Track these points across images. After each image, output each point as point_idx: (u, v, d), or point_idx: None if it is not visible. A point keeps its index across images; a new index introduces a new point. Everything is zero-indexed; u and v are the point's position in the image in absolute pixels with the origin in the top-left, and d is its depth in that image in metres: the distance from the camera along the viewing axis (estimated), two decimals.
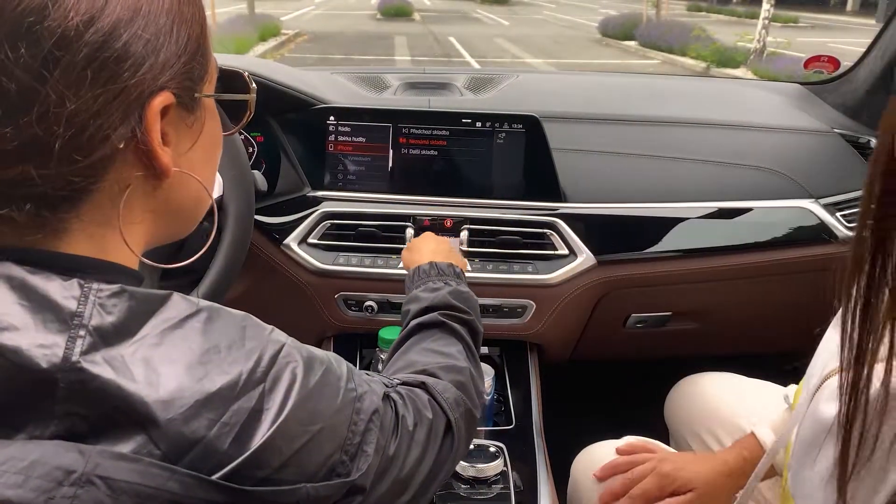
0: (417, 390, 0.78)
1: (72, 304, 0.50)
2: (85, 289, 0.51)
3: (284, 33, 14.53)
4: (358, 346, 1.47)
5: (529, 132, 1.39)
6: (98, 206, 0.55)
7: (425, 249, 1.15)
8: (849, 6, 28.91)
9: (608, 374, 1.91)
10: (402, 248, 1.37)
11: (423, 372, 0.83)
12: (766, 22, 11.16)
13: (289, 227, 1.38)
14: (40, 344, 0.48)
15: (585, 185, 1.42)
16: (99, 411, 0.49)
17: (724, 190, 1.46)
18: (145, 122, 0.54)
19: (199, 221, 0.68)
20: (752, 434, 1.06)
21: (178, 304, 0.55)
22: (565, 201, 1.39)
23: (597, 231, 1.38)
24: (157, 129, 0.55)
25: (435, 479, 0.74)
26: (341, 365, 0.66)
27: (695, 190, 1.45)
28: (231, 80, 0.69)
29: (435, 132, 1.40)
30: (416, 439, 0.71)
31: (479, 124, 1.40)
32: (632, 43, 15.10)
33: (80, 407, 0.49)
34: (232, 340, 0.56)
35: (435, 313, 0.96)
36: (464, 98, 1.61)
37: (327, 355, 0.65)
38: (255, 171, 1.32)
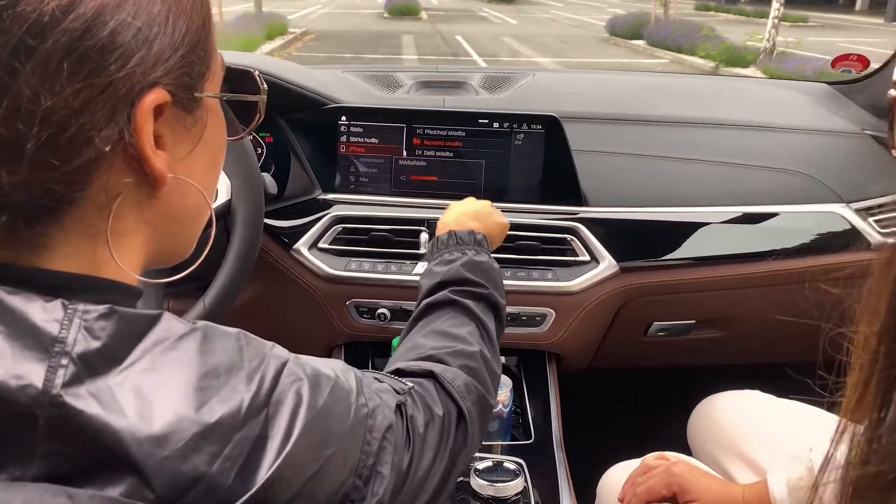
0: (425, 381, 0.73)
1: (53, 329, 0.45)
2: (69, 310, 0.46)
3: (291, 32, 14.51)
4: (370, 354, 1.41)
5: (549, 133, 1.33)
6: (84, 216, 0.49)
7: (452, 214, 1.07)
8: (858, 5, 28.79)
9: (628, 381, 1.85)
10: (415, 254, 1.32)
11: (431, 358, 0.78)
12: (776, 21, 11.08)
13: (299, 232, 1.33)
14: (17, 374, 0.43)
15: (607, 188, 1.36)
16: (84, 450, 0.44)
17: (750, 194, 1.40)
18: (135, 123, 0.48)
19: (201, 234, 0.62)
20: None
21: (171, 323, 0.50)
22: (586, 205, 1.34)
23: (619, 236, 1.33)
24: (149, 131, 0.49)
25: (450, 477, 0.70)
26: (350, 377, 0.61)
27: (720, 193, 1.39)
28: (239, 79, 0.63)
29: (450, 133, 1.35)
30: (429, 442, 0.67)
31: (496, 125, 1.34)
32: (640, 42, 15.03)
33: (63, 445, 0.44)
34: (231, 362, 0.51)
35: (446, 291, 0.89)
36: (479, 97, 1.55)
37: (334, 368, 0.59)
38: (265, 174, 1.27)
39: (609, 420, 1.60)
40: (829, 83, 1.76)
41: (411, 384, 0.71)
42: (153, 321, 0.49)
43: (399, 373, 0.75)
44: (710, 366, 1.71)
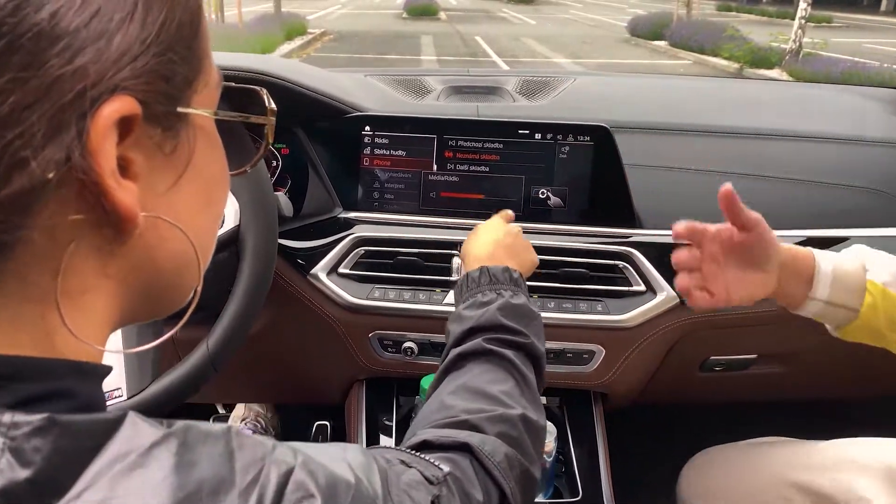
0: (460, 458, 0.60)
1: None
2: None
3: (310, 32, 14.44)
4: (394, 392, 1.27)
5: (598, 145, 1.18)
6: (22, 270, 0.36)
7: (483, 244, 0.92)
8: (883, 6, 28.40)
9: (675, 416, 1.69)
10: (447, 281, 1.18)
11: (464, 424, 0.64)
12: (803, 22, 10.82)
13: (317, 254, 1.18)
14: None
15: (664, 208, 1.20)
16: None
17: (821, 215, 1.24)
18: (90, 140, 0.34)
19: (192, 289, 0.48)
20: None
21: (136, 429, 0.36)
22: (641, 227, 1.19)
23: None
24: (111, 153, 0.35)
25: None
26: (373, 477, 0.46)
27: (789, 215, 1.23)
28: (241, 98, 0.49)
29: (486, 145, 1.20)
30: None
31: (538, 136, 1.19)
32: (662, 43, 14.80)
33: None
34: (219, 477, 0.37)
35: (479, 339, 0.76)
36: (517, 104, 1.40)
37: (352, 465, 0.45)
38: (279, 193, 1.13)
39: (657, 463, 1.44)
40: None
41: (446, 468, 0.56)
42: (110, 429, 0.35)
43: (428, 446, 0.61)
44: (766, 402, 1.56)
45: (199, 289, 0.46)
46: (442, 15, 21.56)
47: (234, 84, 0.49)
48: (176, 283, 0.46)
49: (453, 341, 0.78)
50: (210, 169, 0.46)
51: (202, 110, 0.43)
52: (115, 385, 0.87)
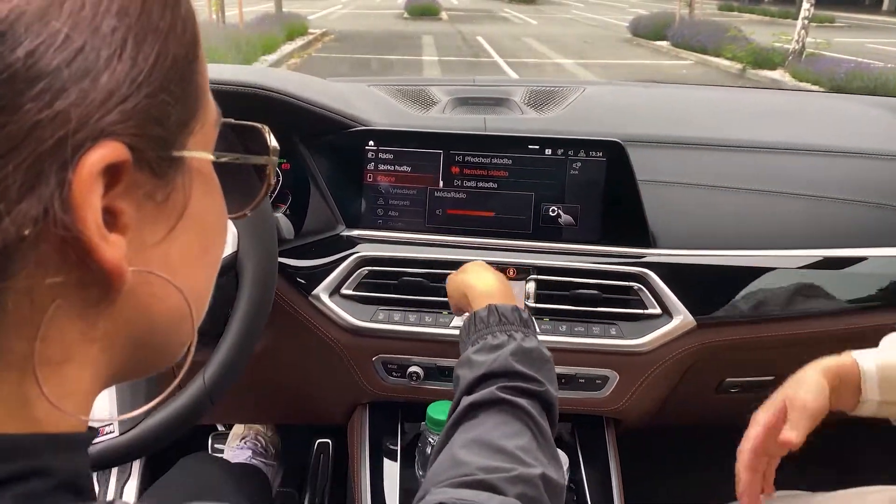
0: None
1: None
2: None
3: (311, 32, 14.41)
4: (399, 417, 1.22)
5: (612, 161, 1.13)
6: None
7: (487, 280, 0.88)
8: (885, 6, 28.33)
9: (691, 442, 1.64)
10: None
11: (481, 484, 0.60)
12: (806, 22, 10.77)
13: (318, 274, 1.14)
14: None
15: (680, 226, 1.16)
16: None
17: (837, 233, 1.20)
18: (72, 193, 0.30)
19: (186, 345, 0.43)
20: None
21: None
22: (655, 247, 1.14)
23: (695, 285, 1.12)
24: (96, 205, 0.31)
25: None
26: None
27: (804, 232, 1.19)
28: (241, 132, 0.45)
29: (495, 160, 1.16)
30: None
31: (548, 151, 1.15)
32: (664, 43, 14.76)
33: None
34: None
35: (492, 387, 0.72)
36: (525, 117, 1.35)
37: None
38: (280, 214, 1.08)
39: (675, 487, 1.40)
40: None
41: None
42: None
43: None
44: None
45: (194, 345, 0.42)
46: (443, 15, 21.51)
47: (233, 121, 0.44)
48: (169, 340, 0.42)
49: (464, 389, 0.74)
50: (207, 215, 0.41)
51: (199, 153, 0.38)
52: (108, 420, 0.83)
